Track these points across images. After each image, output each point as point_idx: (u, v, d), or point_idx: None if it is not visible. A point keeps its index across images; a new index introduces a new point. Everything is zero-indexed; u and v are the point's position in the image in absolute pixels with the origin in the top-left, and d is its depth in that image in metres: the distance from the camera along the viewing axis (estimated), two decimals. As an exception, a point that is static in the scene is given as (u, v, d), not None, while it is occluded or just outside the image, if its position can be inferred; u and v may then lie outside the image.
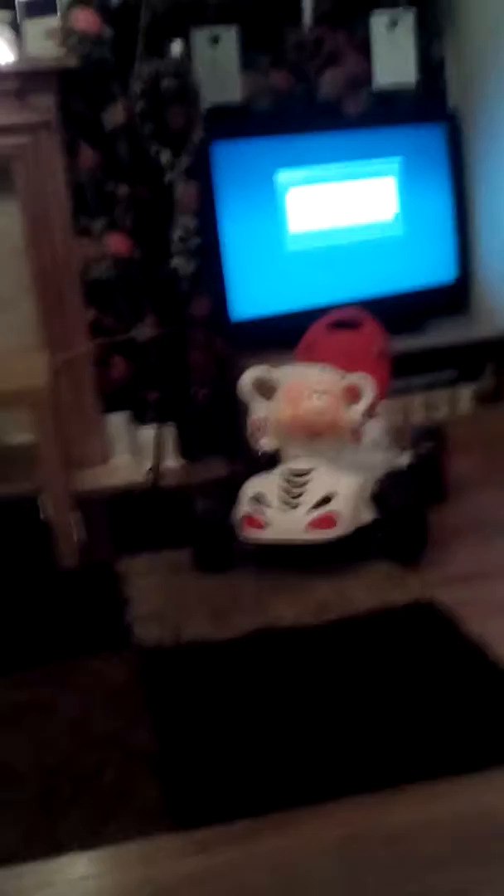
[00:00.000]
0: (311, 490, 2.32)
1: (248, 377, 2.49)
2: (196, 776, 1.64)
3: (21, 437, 3.10)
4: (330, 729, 1.73)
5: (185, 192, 3.25)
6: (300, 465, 2.39)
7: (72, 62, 2.98)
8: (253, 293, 3.36)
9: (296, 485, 2.35)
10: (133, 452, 3.38)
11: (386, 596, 2.20)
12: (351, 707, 1.79)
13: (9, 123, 2.98)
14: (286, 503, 2.32)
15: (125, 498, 3.09)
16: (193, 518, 2.45)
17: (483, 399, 3.48)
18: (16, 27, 2.96)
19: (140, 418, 3.42)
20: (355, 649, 1.98)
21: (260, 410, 2.47)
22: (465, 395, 3.47)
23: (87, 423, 3.31)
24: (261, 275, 3.36)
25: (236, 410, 3.38)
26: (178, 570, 2.46)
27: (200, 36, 3.32)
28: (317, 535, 2.28)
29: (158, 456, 3.24)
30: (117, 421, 3.36)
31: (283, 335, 3.28)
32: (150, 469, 3.26)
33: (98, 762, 1.70)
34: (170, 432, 3.37)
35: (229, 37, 3.36)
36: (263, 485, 2.38)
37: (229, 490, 2.48)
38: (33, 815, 1.57)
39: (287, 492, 2.34)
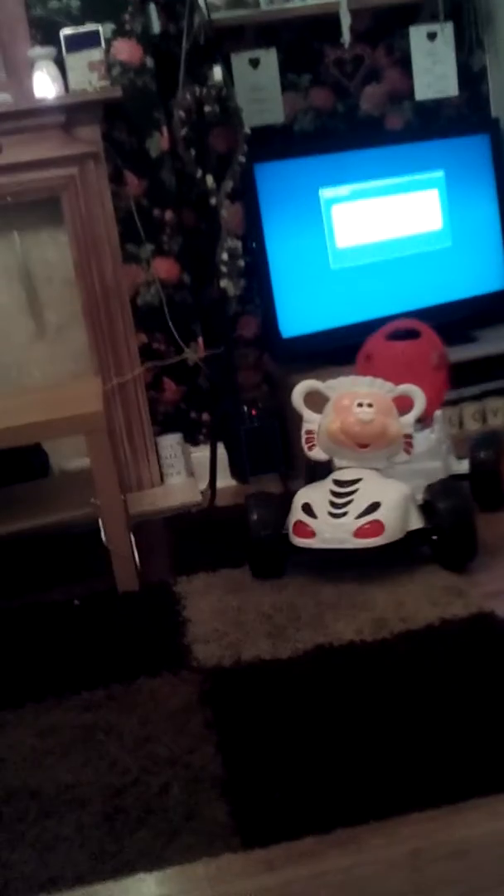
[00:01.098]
0: (358, 499, 2.38)
1: (300, 390, 2.57)
2: (262, 795, 1.65)
3: (78, 462, 3.15)
4: (393, 745, 1.72)
5: (230, 214, 3.29)
6: (348, 474, 2.45)
7: (116, 93, 3.03)
8: (301, 311, 3.37)
9: (344, 494, 2.41)
10: (187, 473, 3.41)
11: (444, 610, 2.19)
12: (413, 722, 1.78)
13: (57, 156, 3.04)
14: (334, 512, 2.38)
15: (181, 519, 3.12)
16: (247, 527, 2.51)
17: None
18: (59, 61, 3.03)
19: (193, 439, 3.45)
20: (415, 665, 1.97)
21: (311, 422, 2.54)
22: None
23: (140, 446, 3.35)
24: (308, 292, 3.37)
25: (287, 429, 3.40)
26: (236, 589, 2.48)
27: (240, 60, 3.36)
28: (364, 542, 2.34)
29: (213, 476, 3.27)
30: (171, 442, 3.39)
31: (332, 351, 3.31)
32: (206, 489, 3.28)
33: (164, 782, 1.71)
34: (222, 452, 3.40)
35: (269, 59, 3.40)
36: (313, 494, 2.45)
37: (282, 499, 2.58)
38: (101, 837, 1.59)
39: (335, 501, 2.40)
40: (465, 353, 3.33)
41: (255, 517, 2.49)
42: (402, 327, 2.88)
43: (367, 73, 3.53)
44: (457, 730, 1.74)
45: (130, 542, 2.60)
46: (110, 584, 2.54)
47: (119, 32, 3.13)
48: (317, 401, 2.56)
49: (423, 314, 3.45)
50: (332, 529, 2.36)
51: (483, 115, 3.65)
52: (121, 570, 2.54)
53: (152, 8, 3.18)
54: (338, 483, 2.44)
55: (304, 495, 2.48)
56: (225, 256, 3.21)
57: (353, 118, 3.54)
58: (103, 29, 3.06)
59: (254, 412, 3.40)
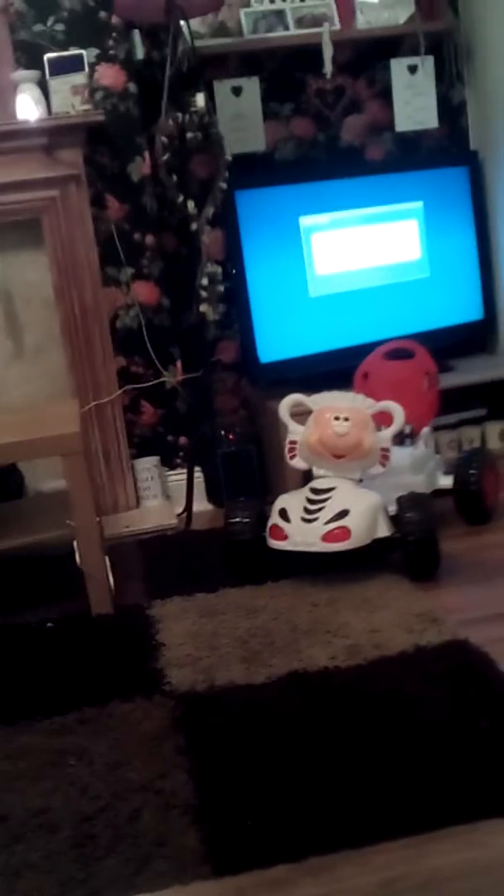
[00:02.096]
0: (329, 506, 2.54)
1: (287, 402, 2.75)
2: (233, 822, 1.63)
3: (54, 483, 3.13)
4: (367, 772, 1.72)
5: (210, 239, 3.31)
6: (324, 483, 2.62)
7: (98, 117, 3.05)
8: (279, 337, 3.39)
9: (318, 501, 2.57)
10: (163, 497, 3.41)
11: (418, 637, 2.19)
12: (387, 750, 1.77)
13: (38, 178, 3.05)
14: (306, 517, 2.54)
15: (157, 542, 3.11)
16: (226, 530, 2.67)
17: (512, 436, 3.48)
18: (43, 85, 3.04)
19: (170, 463, 3.45)
20: (389, 692, 1.97)
21: (294, 433, 2.72)
22: (495, 431, 3.47)
23: (116, 468, 3.34)
24: (287, 318, 3.39)
25: (264, 454, 3.40)
26: (211, 613, 2.47)
27: (223, 87, 3.40)
28: (331, 546, 2.49)
29: (189, 500, 3.26)
30: (148, 465, 3.39)
31: (310, 377, 3.32)
32: (182, 513, 3.28)
33: (134, 808, 1.69)
34: (199, 476, 3.40)
35: (251, 87, 3.43)
36: (291, 500, 2.63)
37: (262, 506, 2.75)
38: (70, 863, 1.57)
39: (309, 507, 2.56)
40: (442, 382, 3.34)
41: (234, 520, 2.65)
42: (399, 348, 3.02)
43: (348, 103, 3.57)
44: (431, 758, 1.73)
45: (105, 564, 2.59)
46: (84, 607, 2.52)
47: (103, 58, 3.15)
48: (301, 413, 2.76)
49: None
50: (303, 533, 2.52)
51: (462, 147, 3.70)
52: (95, 592, 2.52)
53: (136, 34, 3.21)
54: (314, 491, 2.61)
55: (282, 501, 2.64)
56: (205, 281, 3.22)
57: (333, 148, 3.58)
58: (87, 54, 3.09)
59: (231, 436, 3.41)
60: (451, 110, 3.67)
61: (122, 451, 3.34)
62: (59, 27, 3.11)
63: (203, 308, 3.25)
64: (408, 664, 2.08)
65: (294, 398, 2.75)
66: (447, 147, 3.69)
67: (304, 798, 1.67)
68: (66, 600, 2.58)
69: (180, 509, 3.31)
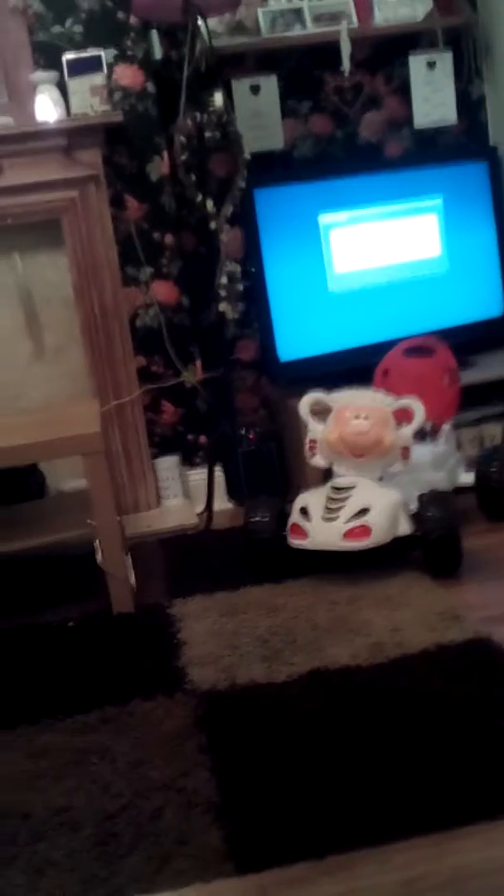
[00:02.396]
0: (350, 504, 2.53)
1: (307, 400, 2.74)
2: (256, 820, 1.64)
3: (75, 483, 3.15)
4: (388, 770, 1.71)
5: (229, 238, 3.31)
6: (344, 481, 2.61)
7: (117, 117, 3.06)
8: (299, 335, 3.38)
9: (338, 499, 2.56)
10: (184, 496, 3.41)
11: (441, 635, 2.19)
12: (408, 748, 1.77)
13: (58, 178, 3.06)
14: (327, 516, 2.53)
15: (177, 541, 3.12)
16: (245, 528, 2.67)
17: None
18: (62, 86, 3.06)
19: (190, 462, 3.46)
20: (410, 690, 1.97)
21: (314, 431, 2.71)
22: (516, 428, 3.46)
23: (137, 467, 3.35)
24: (306, 316, 3.39)
25: (284, 452, 3.40)
26: (232, 612, 2.48)
27: (241, 86, 3.39)
28: (351, 544, 2.48)
29: (210, 498, 3.27)
30: (168, 465, 3.40)
31: (330, 375, 3.31)
32: (203, 512, 3.28)
33: (157, 807, 1.70)
34: (220, 475, 3.40)
35: (269, 85, 3.43)
36: (310, 498, 2.61)
37: (283, 505, 2.73)
38: (92, 862, 1.58)
39: (329, 505, 2.55)
40: (463, 378, 3.33)
41: (254, 518, 2.65)
42: (420, 344, 3.00)
43: (366, 100, 3.56)
44: (452, 756, 1.73)
45: (126, 563, 2.60)
46: (105, 606, 2.54)
47: (121, 58, 3.16)
48: (322, 411, 2.76)
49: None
50: (324, 532, 2.51)
51: (481, 142, 3.68)
52: (116, 591, 2.54)
53: (154, 34, 3.21)
54: (334, 489, 2.60)
55: (303, 499, 2.63)
56: (224, 280, 3.22)
57: (352, 145, 3.57)
58: (105, 54, 3.10)
59: (251, 435, 3.41)
60: (469, 105, 3.65)
61: (143, 451, 3.35)
62: (78, 28, 3.12)
63: (222, 307, 3.25)
64: (430, 662, 2.08)
65: (313, 396, 2.75)
66: (466, 142, 3.67)
67: (324, 796, 1.67)
68: (87, 599, 2.60)
69: (201, 508, 3.31)
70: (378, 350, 3.40)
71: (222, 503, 3.39)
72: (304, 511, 2.58)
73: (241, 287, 3.44)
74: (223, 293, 3.24)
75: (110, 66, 3.14)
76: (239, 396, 3.54)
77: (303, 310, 3.38)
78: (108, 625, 2.49)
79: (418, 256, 3.51)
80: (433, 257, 3.53)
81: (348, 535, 2.49)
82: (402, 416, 2.67)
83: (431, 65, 3.57)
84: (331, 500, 2.57)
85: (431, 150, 3.64)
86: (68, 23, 3.11)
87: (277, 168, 3.48)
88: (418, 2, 3.44)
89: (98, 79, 3.06)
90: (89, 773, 1.83)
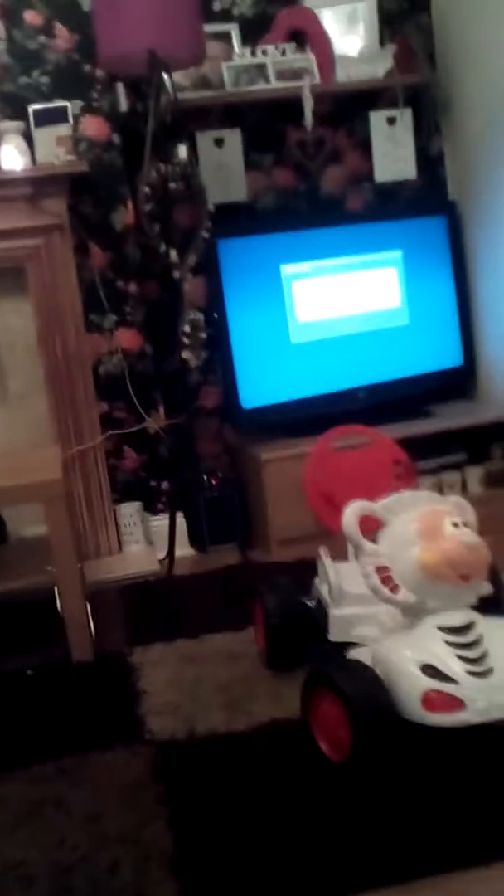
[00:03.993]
0: (493, 648, 1.85)
1: (352, 513, 2.00)
2: (211, 873, 1.62)
3: (35, 529, 3.13)
4: (347, 823, 1.71)
5: (192, 287, 3.34)
6: (455, 619, 1.89)
7: (82, 167, 3.09)
8: (262, 382, 3.42)
9: (468, 645, 1.85)
10: (146, 542, 3.41)
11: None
12: (367, 801, 1.77)
13: (22, 227, 3.08)
14: (475, 670, 1.81)
15: (138, 588, 3.10)
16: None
17: (492, 480, 3.51)
18: (28, 136, 3.09)
19: (152, 508, 3.46)
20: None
21: (380, 556, 1.96)
22: (475, 476, 3.50)
23: (99, 513, 3.34)
24: (269, 364, 3.42)
25: (246, 499, 3.41)
26: (192, 660, 2.46)
27: (205, 139, 3.45)
28: None
29: (172, 545, 3.26)
30: (130, 511, 3.39)
31: (292, 423, 3.36)
32: (164, 558, 3.28)
33: (113, 859, 1.68)
34: (181, 521, 3.40)
35: (233, 138, 3.49)
36: (422, 650, 1.85)
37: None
38: (47, 916, 1.55)
39: (467, 655, 1.83)
40: (422, 427, 3.39)
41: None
42: (348, 433, 2.57)
43: (328, 154, 3.64)
44: (412, 807, 1.73)
45: (86, 611, 2.58)
46: (64, 654, 2.51)
47: (87, 109, 3.21)
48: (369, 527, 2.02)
49: (381, 388, 3.53)
50: (487, 693, 1.77)
51: (440, 197, 3.76)
52: (76, 639, 2.52)
53: (120, 87, 3.26)
54: (451, 631, 1.87)
55: (409, 652, 1.86)
56: (187, 328, 3.25)
57: (314, 197, 3.64)
58: (71, 105, 3.14)
59: (214, 482, 3.42)
60: (429, 161, 3.74)
61: (105, 497, 3.35)
62: (44, 79, 3.16)
63: (185, 354, 3.28)
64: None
65: (360, 506, 2.00)
66: (426, 197, 3.75)
67: (281, 849, 1.66)
68: (46, 647, 2.57)
69: (162, 554, 3.30)
70: (340, 398, 3.45)
71: (184, 549, 3.39)
72: (431, 670, 1.81)
73: (204, 335, 3.48)
74: (186, 341, 3.27)
75: (76, 118, 3.18)
76: (201, 443, 3.55)
77: (265, 358, 3.41)
78: (66, 673, 2.47)
79: (379, 307, 3.57)
80: (394, 308, 3.59)
81: None
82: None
83: (392, 121, 3.65)
84: (460, 646, 1.84)
85: (392, 204, 3.72)
86: (35, 74, 3.15)
87: (241, 219, 3.53)
88: (379, 60, 3.53)
89: (64, 129, 3.10)
90: (45, 825, 1.80)
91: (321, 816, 1.73)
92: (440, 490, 3.40)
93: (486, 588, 1.96)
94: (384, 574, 1.93)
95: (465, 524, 1.93)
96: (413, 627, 1.93)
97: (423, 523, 1.94)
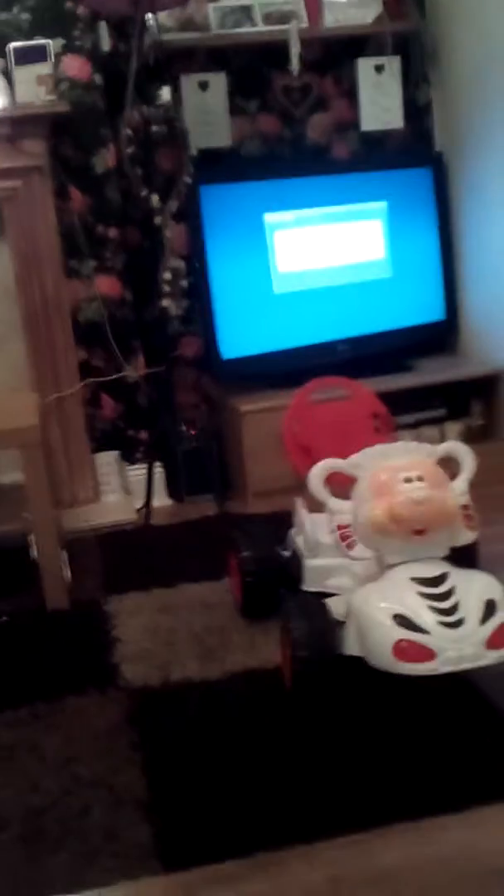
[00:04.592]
0: (464, 599, 1.84)
1: (318, 472, 2.02)
2: (184, 818, 1.63)
3: (10, 476, 3.11)
4: (317, 769, 1.72)
5: (174, 234, 3.29)
6: (429, 570, 1.89)
7: (63, 107, 3.02)
8: (242, 333, 3.39)
9: (440, 596, 1.84)
10: (123, 491, 3.39)
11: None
12: (337, 747, 1.78)
13: (1, 167, 3.02)
14: (447, 620, 1.80)
15: (115, 536, 3.10)
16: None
17: (471, 436, 3.50)
18: (6, 74, 3.01)
19: (129, 458, 3.44)
20: (342, 690, 1.97)
21: (343, 512, 2.00)
22: (454, 431, 3.49)
23: (76, 462, 3.32)
24: (250, 315, 3.39)
25: (224, 450, 3.40)
26: (167, 609, 2.47)
27: (189, 82, 3.38)
28: (499, 654, 1.79)
29: (149, 495, 3.25)
30: (107, 460, 3.37)
31: (272, 374, 3.33)
32: (141, 507, 3.27)
33: (85, 804, 1.69)
34: (159, 471, 3.39)
35: (218, 82, 3.42)
36: (394, 601, 1.84)
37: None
38: (18, 858, 1.56)
39: (439, 606, 1.82)
40: (402, 381, 3.37)
41: (297, 629, 1.93)
42: (327, 386, 2.54)
43: (314, 101, 3.57)
44: (381, 754, 1.75)
45: (62, 558, 2.58)
46: (40, 601, 2.51)
47: (68, 48, 3.12)
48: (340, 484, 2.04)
49: (362, 341, 3.51)
50: (457, 643, 1.77)
51: (427, 148, 3.71)
52: (51, 587, 2.51)
53: (103, 26, 3.18)
54: (424, 582, 1.87)
55: (382, 603, 1.85)
56: (168, 276, 3.20)
57: (299, 145, 3.58)
58: (53, 44, 3.06)
59: (192, 432, 3.40)
60: (416, 111, 3.68)
61: (82, 445, 3.32)
62: (25, 16, 3.07)
63: (165, 303, 3.23)
64: (359, 662, 2.09)
65: (327, 465, 2.02)
66: (412, 148, 3.70)
67: (254, 795, 1.67)
68: (21, 594, 2.56)
69: (140, 504, 3.29)
70: (321, 350, 3.43)
71: (161, 500, 3.38)
72: (405, 621, 1.80)
73: (184, 283, 3.43)
74: (167, 289, 3.22)
75: (57, 57, 3.10)
76: (180, 393, 3.52)
77: (246, 308, 3.38)
78: (41, 620, 2.46)
79: (362, 259, 3.53)
80: (377, 260, 3.56)
81: (492, 642, 1.78)
82: (444, 467, 2.02)
83: (380, 69, 3.59)
84: (433, 597, 1.84)
85: (378, 154, 3.66)
86: (15, 10, 3.07)
87: (224, 166, 3.48)
88: (368, 5, 3.45)
89: (44, 68, 3.02)
90: (18, 770, 1.81)
91: (292, 762, 1.75)
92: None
93: (464, 538, 1.97)
94: (344, 531, 1.97)
95: (421, 478, 1.91)
96: (386, 578, 1.93)
97: (374, 480, 1.95)
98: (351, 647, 1.90)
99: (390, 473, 1.93)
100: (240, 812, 1.63)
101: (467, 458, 2.02)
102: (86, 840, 1.59)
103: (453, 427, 3.48)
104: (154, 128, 3.05)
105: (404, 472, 1.92)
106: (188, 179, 3.15)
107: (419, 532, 1.90)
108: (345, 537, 1.98)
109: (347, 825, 1.56)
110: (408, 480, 1.91)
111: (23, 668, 2.22)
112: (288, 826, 1.58)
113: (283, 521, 2.49)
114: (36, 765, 1.82)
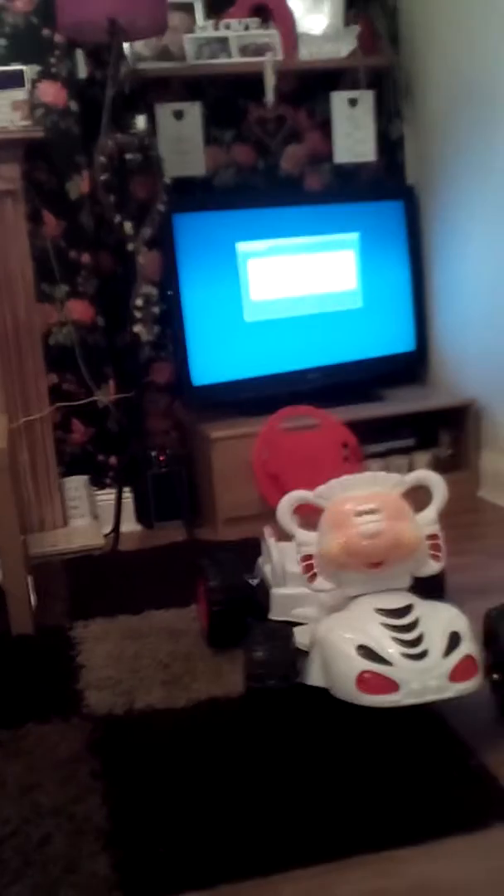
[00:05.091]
0: (428, 631, 1.83)
1: (287, 504, 2.01)
2: (146, 848, 1.62)
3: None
4: (279, 800, 1.71)
5: (147, 261, 3.30)
6: (393, 601, 1.90)
7: (38, 133, 3.03)
8: (213, 360, 3.40)
9: (404, 628, 1.84)
10: (91, 516, 3.38)
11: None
12: (299, 778, 1.78)
13: (-26, 191, 3.03)
14: (410, 652, 1.80)
15: (82, 562, 3.08)
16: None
17: (440, 466, 3.53)
18: (-17, 99, 3.03)
19: (99, 482, 3.43)
20: (307, 720, 1.97)
21: (307, 544, 1.99)
22: (422, 461, 3.52)
23: (44, 486, 3.31)
24: (221, 342, 3.40)
25: (194, 476, 3.40)
26: (133, 636, 2.45)
27: (164, 110, 3.41)
28: (463, 686, 1.79)
29: (117, 520, 3.24)
30: (76, 484, 3.36)
31: (243, 401, 3.35)
32: (110, 533, 3.25)
33: (45, 833, 1.67)
34: (128, 497, 3.38)
35: (193, 112, 3.45)
36: (359, 632, 1.84)
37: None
38: (-24, 889, 1.54)
39: (403, 637, 1.82)
40: (372, 411, 3.40)
41: (258, 655, 1.91)
42: (297, 414, 2.56)
43: (288, 133, 3.61)
44: (343, 785, 1.74)
45: (28, 583, 2.56)
46: (4, 626, 2.49)
47: (45, 74, 3.15)
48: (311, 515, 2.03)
49: (333, 370, 3.54)
50: (421, 676, 1.77)
51: (399, 181, 3.76)
52: (15, 611, 2.49)
53: (79, 53, 3.21)
54: (388, 613, 1.87)
55: (347, 633, 1.85)
56: (140, 302, 3.21)
57: (273, 176, 3.62)
58: (29, 70, 3.08)
59: (162, 458, 3.40)
60: (389, 144, 3.73)
61: (51, 469, 3.31)
62: (2, 42, 3.09)
63: (137, 328, 3.24)
64: (325, 693, 2.08)
65: (295, 496, 2.01)
66: (384, 180, 3.75)
67: (216, 825, 1.66)
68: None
69: (108, 529, 3.28)
70: (292, 379, 3.45)
71: (130, 525, 3.37)
72: (369, 652, 1.80)
73: (156, 310, 3.44)
74: (139, 315, 3.23)
75: (33, 83, 3.12)
76: (151, 419, 3.53)
77: (218, 335, 3.39)
78: (5, 646, 2.44)
79: (334, 289, 3.56)
80: (349, 291, 3.59)
81: (456, 675, 1.78)
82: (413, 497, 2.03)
83: (353, 102, 3.64)
84: (397, 628, 1.84)
85: (350, 186, 3.71)
86: (-7, 36, 3.09)
87: (198, 194, 3.50)
88: (342, 40, 3.50)
89: (20, 94, 3.03)
90: (-23, 799, 1.79)
91: (254, 793, 1.74)
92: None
93: (429, 568, 1.97)
94: (307, 562, 1.98)
95: (375, 510, 1.90)
96: (351, 609, 1.93)
97: (331, 512, 1.96)
98: (315, 677, 1.90)
99: (346, 506, 1.94)
100: (201, 843, 1.62)
101: (438, 487, 2.01)
102: (45, 871, 1.57)
103: (422, 457, 3.50)
104: (128, 155, 3.07)
105: (359, 504, 1.92)
106: (162, 207, 3.17)
107: (375, 565, 1.90)
108: (308, 569, 1.98)
109: (307, 857, 1.56)
110: (360, 514, 1.91)
111: (-15, 695, 2.20)
112: (248, 858, 1.57)
113: (252, 549, 2.50)
114: (-4, 793, 1.80)
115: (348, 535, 1.90)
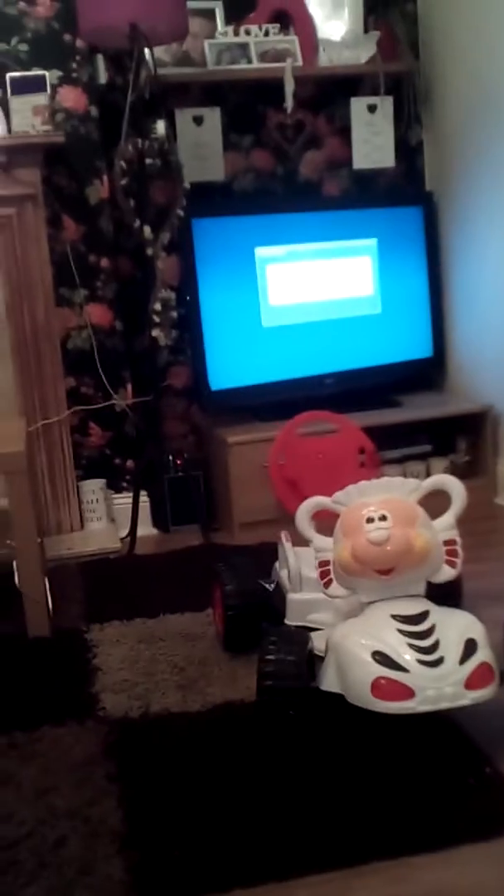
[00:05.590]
0: (444, 638, 1.83)
1: (306, 509, 2.03)
2: (161, 851, 1.62)
3: (-3, 502, 3.10)
4: (295, 805, 1.71)
5: (165, 265, 3.32)
6: (409, 607, 1.89)
7: (58, 138, 3.05)
8: (231, 364, 3.40)
9: (420, 634, 1.84)
10: (108, 519, 3.39)
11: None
12: (316, 784, 1.77)
13: (-5, 195, 3.05)
14: (426, 659, 1.79)
15: (99, 565, 3.09)
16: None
17: (457, 472, 3.51)
18: (3, 104, 3.04)
19: (115, 486, 3.44)
20: (323, 725, 1.97)
21: (324, 550, 1.99)
22: (439, 467, 3.51)
23: (62, 489, 3.32)
24: (239, 347, 3.41)
25: (211, 480, 3.41)
26: (149, 639, 2.46)
27: (184, 116, 3.42)
28: (479, 694, 1.78)
29: (134, 523, 3.25)
30: (93, 487, 3.37)
31: (260, 406, 3.35)
32: (126, 536, 3.26)
33: (60, 836, 1.67)
34: (145, 501, 3.39)
35: (213, 117, 3.46)
36: (374, 638, 1.84)
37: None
38: (-8, 890, 1.54)
39: (418, 644, 1.82)
40: (389, 416, 3.39)
41: (272, 657, 1.93)
42: (315, 419, 2.57)
43: (307, 139, 3.62)
44: (359, 791, 1.74)
45: (44, 586, 2.57)
46: (21, 629, 2.49)
47: (65, 80, 3.16)
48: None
49: (351, 376, 3.54)
50: (436, 683, 1.76)
51: (417, 187, 3.76)
52: (32, 614, 2.50)
53: (100, 58, 3.22)
54: (404, 619, 1.86)
55: (362, 640, 1.85)
56: (158, 306, 3.22)
57: (291, 182, 3.62)
58: (50, 75, 3.10)
59: (179, 462, 3.40)
60: (408, 150, 3.74)
61: (68, 472, 3.32)
62: (23, 47, 3.11)
63: (155, 333, 3.25)
64: (341, 697, 2.08)
65: (313, 502, 2.02)
66: (403, 186, 3.75)
67: (232, 829, 1.66)
68: (3, 621, 2.55)
69: (125, 533, 3.29)
70: (309, 384, 3.45)
71: (146, 529, 3.38)
72: (384, 658, 1.80)
73: (175, 314, 3.45)
74: (157, 319, 3.24)
75: (54, 88, 3.14)
76: (168, 423, 3.53)
77: (236, 340, 3.40)
78: (22, 648, 2.45)
79: (352, 295, 3.56)
80: (366, 297, 3.59)
81: (472, 682, 1.78)
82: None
83: (372, 108, 3.64)
84: (413, 635, 1.83)
85: (369, 192, 3.71)
86: (14, 41, 3.11)
87: (217, 199, 3.51)
88: (362, 46, 3.51)
89: (41, 99, 3.05)
90: (-7, 800, 1.79)
91: (271, 797, 1.73)
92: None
93: (444, 575, 1.96)
94: (324, 567, 1.98)
95: (384, 517, 1.89)
96: (366, 615, 1.93)
97: (344, 519, 1.96)
98: (330, 683, 1.90)
99: (357, 513, 1.93)
100: (216, 847, 1.61)
101: (457, 492, 1.99)
102: (60, 873, 1.57)
103: (439, 463, 3.50)
104: (148, 161, 3.08)
105: (369, 511, 1.91)
106: (181, 212, 3.18)
107: (386, 572, 1.89)
108: (324, 574, 1.98)
109: (324, 863, 1.55)
110: (370, 520, 1.90)
111: (1, 697, 2.20)
112: (264, 862, 1.57)
113: (268, 553, 2.50)
114: (12, 795, 1.80)
115: (356, 541, 1.89)
